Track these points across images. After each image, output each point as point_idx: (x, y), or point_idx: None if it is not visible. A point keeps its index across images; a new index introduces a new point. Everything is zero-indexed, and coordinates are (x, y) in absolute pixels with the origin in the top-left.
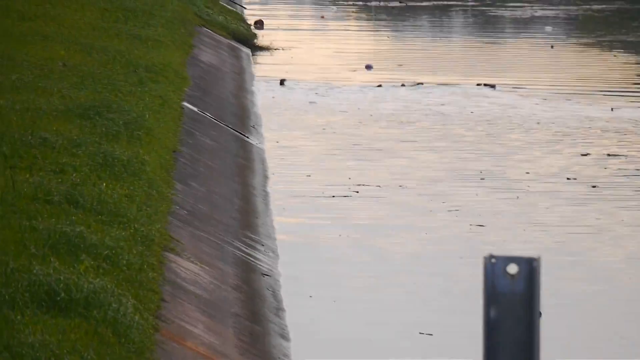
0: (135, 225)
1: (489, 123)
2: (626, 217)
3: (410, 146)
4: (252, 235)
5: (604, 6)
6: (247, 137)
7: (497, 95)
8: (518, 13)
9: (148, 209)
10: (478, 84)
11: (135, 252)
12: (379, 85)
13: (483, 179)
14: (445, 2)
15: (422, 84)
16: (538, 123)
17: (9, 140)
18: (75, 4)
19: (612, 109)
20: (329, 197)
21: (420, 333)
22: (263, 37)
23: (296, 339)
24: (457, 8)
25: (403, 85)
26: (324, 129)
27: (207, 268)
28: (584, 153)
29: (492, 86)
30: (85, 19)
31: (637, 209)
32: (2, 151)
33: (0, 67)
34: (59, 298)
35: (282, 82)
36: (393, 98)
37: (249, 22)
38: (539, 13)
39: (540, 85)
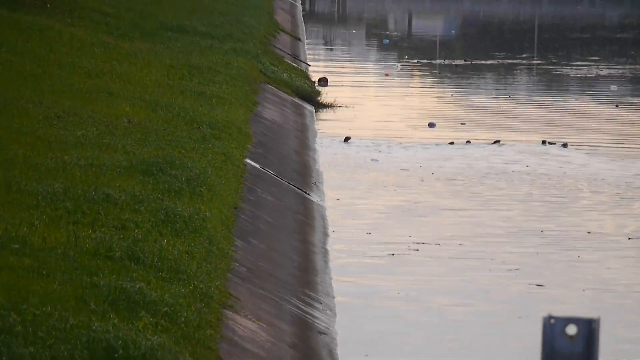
0: (195, 282)
1: (553, 181)
2: None
3: (472, 204)
4: (311, 293)
5: None
6: (308, 194)
7: (561, 154)
8: (583, 72)
9: (208, 265)
10: (543, 142)
11: (194, 309)
12: (451, 143)
13: (544, 237)
14: (510, 61)
15: (494, 141)
16: (602, 182)
17: (73, 196)
18: (142, 61)
19: None
20: (389, 255)
21: None
22: (327, 95)
23: None
24: (522, 66)
25: (468, 142)
26: (385, 186)
27: (264, 326)
28: None
29: (556, 144)
30: (151, 76)
31: None
32: (66, 207)
33: (66, 124)
34: (117, 355)
35: (346, 139)
36: (456, 156)
37: (313, 80)
38: (605, 72)
39: (605, 144)
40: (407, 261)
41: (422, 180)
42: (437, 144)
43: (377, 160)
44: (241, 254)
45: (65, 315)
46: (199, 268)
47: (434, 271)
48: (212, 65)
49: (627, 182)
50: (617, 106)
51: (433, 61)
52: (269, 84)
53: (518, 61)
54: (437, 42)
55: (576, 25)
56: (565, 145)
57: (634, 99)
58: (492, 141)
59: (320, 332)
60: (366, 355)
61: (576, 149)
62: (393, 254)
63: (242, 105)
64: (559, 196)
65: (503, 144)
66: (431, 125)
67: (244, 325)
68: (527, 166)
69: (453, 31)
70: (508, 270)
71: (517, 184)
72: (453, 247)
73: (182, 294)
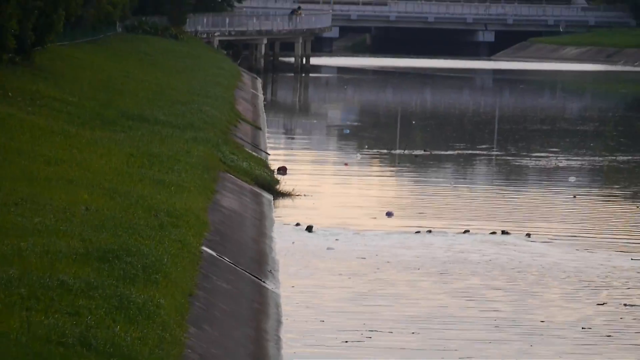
0: None
1: (508, 270)
2: None
3: (425, 293)
4: None
5: (629, 157)
6: (264, 282)
7: (518, 243)
8: (542, 163)
9: (160, 352)
10: (503, 232)
11: None
12: (417, 232)
13: (497, 326)
14: (469, 152)
15: (443, 231)
16: (557, 271)
17: (27, 282)
18: (102, 149)
19: (631, 259)
20: (342, 342)
21: None
22: (286, 183)
23: None
24: (482, 157)
25: (429, 231)
26: (340, 274)
27: None
28: (601, 302)
29: (510, 234)
30: (110, 164)
31: None
32: (20, 293)
33: (23, 211)
34: None
35: (309, 228)
36: (413, 245)
37: (272, 168)
38: (564, 163)
39: (561, 234)
40: (360, 349)
41: (378, 269)
42: (390, 233)
43: (333, 249)
44: (194, 341)
45: None
46: (151, 355)
47: None
48: (172, 154)
49: (582, 272)
50: (574, 197)
51: (393, 151)
52: (228, 172)
53: (478, 152)
54: (397, 133)
55: (536, 116)
56: (529, 235)
57: (592, 190)
58: (453, 230)
59: None
60: None
61: (532, 241)
62: (346, 342)
63: (201, 194)
64: (513, 284)
65: (463, 233)
66: (389, 214)
67: None
68: (485, 255)
69: (347, 131)
70: (460, 358)
71: (473, 274)
72: (406, 335)
73: None
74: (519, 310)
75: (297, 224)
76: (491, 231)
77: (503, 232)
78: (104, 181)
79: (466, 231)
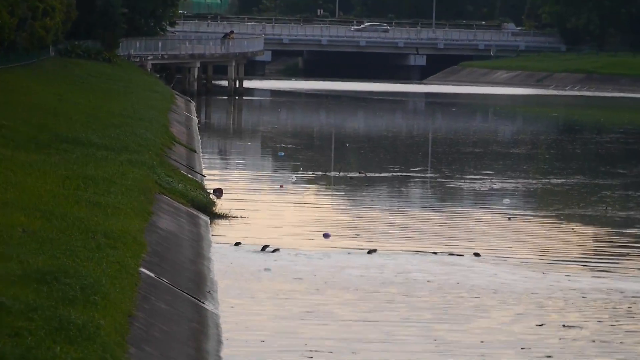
0: None
1: (445, 291)
2: None
3: (364, 314)
4: None
5: (563, 180)
6: (203, 303)
7: (454, 263)
8: (477, 185)
9: None
10: (433, 252)
11: None
12: (371, 251)
13: (437, 347)
14: (404, 174)
15: (374, 251)
16: (495, 292)
17: None
18: (37, 171)
19: (569, 280)
20: None
21: None
22: (222, 205)
23: None
24: (416, 179)
25: (370, 252)
26: (277, 294)
27: None
28: (540, 323)
29: (452, 254)
30: (46, 186)
31: None
32: None
33: None
34: None
35: (237, 243)
36: (349, 266)
37: (208, 190)
38: (498, 186)
39: (498, 254)
40: None
41: (317, 290)
42: (328, 254)
43: (270, 270)
44: None
45: None
46: None
47: None
48: (108, 176)
49: (520, 292)
50: (509, 219)
51: (328, 173)
52: (164, 194)
53: (412, 174)
54: (332, 155)
55: (469, 139)
56: (477, 254)
57: (526, 212)
58: (390, 251)
59: None
60: None
61: (475, 261)
62: None
63: (138, 215)
64: (451, 305)
65: (400, 253)
66: (326, 235)
67: None
68: (426, 275)
69: (281, 153)
70: None
71: (409, 294)
72: (346, 355)
73: None
74: (458, 330)
75: (237, 243)
76: (431, 251)
77: (434, 253)
78: (40, 203)
79: (416, 252)
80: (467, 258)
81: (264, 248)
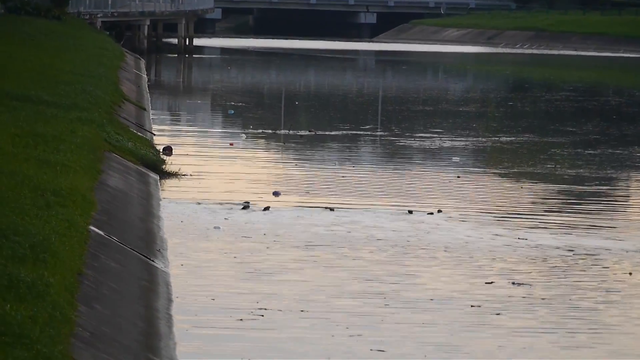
0: (38, 347)
1: (396, 247)
2: (524, 343)
3: (314, 270)
4: (154, 358)
5: (512, 138)
6: (153, 261)
7: (405, 219)
8: (427, 144)
9: (51, 330)
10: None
11: None
12: (330, 209)
13: (387, 304)
14: (354, 132)
15: (330, 209)
16: (445, 249)
17: None
18: None
19: (518, 238)
20: (234, 319)
21: None
22: (171, 163)
23: None
24: (366, 137)
25: (331, 209)
26: (225, 253)
27: None
28: (489, 281)
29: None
30: None
31: (534, 336)
32: None
33: None
34: None
35: (245, 206)
36: (299, 223)
37: (158, 149)
38: (448, 144)
39: (449, 211)
40: (251, 327)
41: (267, 247)
42: (278, 211)
43: (220, 228)
44: (85, 319)
45: None
46: (42, 333)
47: (277, 338)
48: (57, 134)
49: (470, 247)
50: (458, 177)
51: (278, 131)
52: (114, 152)
53: (362, 132)
54: (282, 113)
55: (419, 98)
56: (440, 211)
57: (475, 170)
58: (337, 208)
59: None
60: None
61: (418, 215)
62: (241, 319)
63: (87, 174)
64: (401, 260)
65: (347, 210)
66: (275, 193)
67: None
68: (370, 231)
69: (231, 111)
70: (350, 336)
71: (362, 250)
72: (295, 313)
73: (25, 358)
74: (408, 287)
75: (246, 206)
76: (379, 208)
77: (409, 212)
78: None
79: (331, 209)
80: (417, 215)
81: (266, 209)
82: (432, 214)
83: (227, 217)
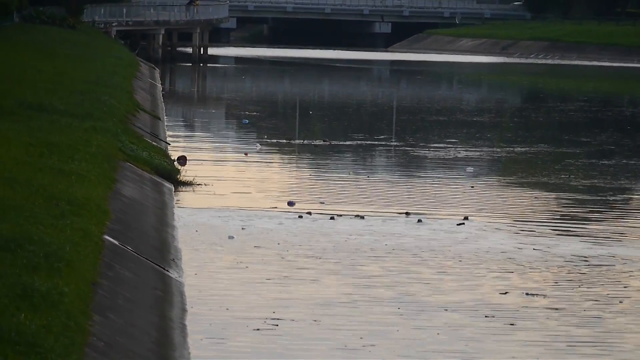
0: (52, 356)
1: (409, 254)
2: (542, 355)
3: (328, 280)
4: None
5: (526, 149)
6: (167, 270)
7: (416, 228)
8: (441, 154)
9: (65, 339)
10: (407, 213)
11: None
12: (332, 218)
13: (402, 314)
14: (368, 142)
15: (360, 216)
16: (460, 259)
17: None
18: (1, 138)
19: (533, 249)
20: (249, 329)
21: None
22: (186, 173)
23: None
24: (381, 148)
25: (332, 218)
26: (239, 262)
27: None
28: (504, 291)
29: (419, 221)
30: (9, 154)
31: (550, 348)
32: None
33: None
34: None
35: (332, 217)
36: (315, 232)
37: (172, 158)
38: (462, 154)
39: (464, 219)
40: (265, 337)
41: (282, 258)
42: (297, 218)
43: (234, 237)
44: (99, 329)
45: None
46: (56, 342)
47: (294, 347)
48: (72, 143)
49: (487, 257)
50: (472, 187)
51: (292, 141)
52: (128, 162)
53: (376, 142)
54: (296, 123)
55: (434, 108)
56: (466, 218)
57: (489, 180)
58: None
59: None
60: None
61: (432, 224)
62: (258, 329)
63: (101, 183)
64: (415, 268)
65: (361, 219)
66: (290, 203)
67: None
68: (381, 240)
69: (246, 121)
70: (363, 346)
71: (375, 258)
72: (308, 323)
73: None
74: (424, 295)
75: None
76: (393, 216)
77: (419, 220)
78: (3, 170)
79: (361, 217)
80: (423, 223)
81: (332, 218)
82: (463, 224)
83: (241, 227)
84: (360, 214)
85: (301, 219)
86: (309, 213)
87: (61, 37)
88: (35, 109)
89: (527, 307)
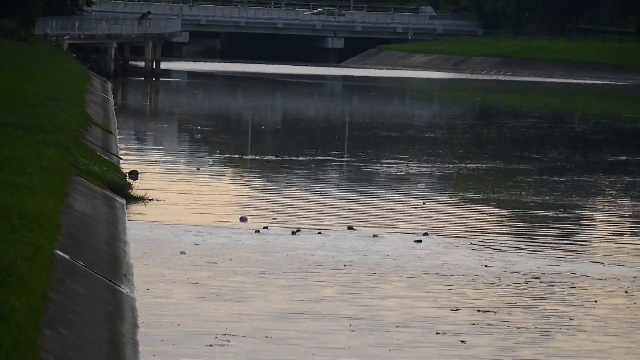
0: None
1: (364, 269)
2: None
3: (279, 295)
4: None
5: (479, 165)
6: (118, 286)
7: (369, 242)
8: (393, 169)
9: (16, 354)
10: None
11: None
12: (296, 231)
13: (354, 331)
14: (320, 157)
15: (299, 230)
16: (410, 274)
17: None
18: None
19: (485, 265)
20: (199, 344)
21: None
22: (138, 187)
23: None
24: (333, 163)
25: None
26: (192, 278)
27: None
28: (454, 308)
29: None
30: None
31: None
32: None
33: None
34: None
35: (295, 232)
36: (268, 247)
37: (124, 172)
38: (414, 170)
39: (415, 236)
40: (217, 353)
41: (234, 273)
42: (243, 235)
43: (185, 253)
44: (50, 344)
45: None
46: (8, 357)
47: None
48: (23, 157)
49: (436, 273)
50: (423, 204)
51: (244, 156)
52: (80, 176)
53: (329, 158)
54: (249, 138)
55: (386, 123)
56: (426, 234)
57: (440, 196)
58: (307, 231)
59: None
60: None
61: (381, 238)
62: (211, 345)
63: (53, 197)
64: (367, 284)
65: (313, 234)
66: (242, 219)
67: None
68: (335, 255)
69: (198, 136)
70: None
71: (326, 273)
72: (260, 339)
73: None
74: (374, 314)
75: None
76: (343, 230)
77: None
78: None
79: (319, 232)
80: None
81: (293, 232)
82: (420, 241)
83: (193, 242)
84: (317, 229)
85: (256, 234)
86: (266, 227)
87: (12, 50)
88: None
89: (478, 324)
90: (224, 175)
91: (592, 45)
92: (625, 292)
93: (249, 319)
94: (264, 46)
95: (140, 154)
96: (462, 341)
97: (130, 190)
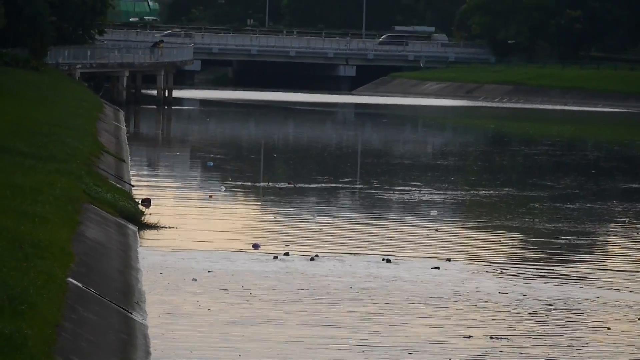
0: None
1: (378, 296)
2: None
3: (292, 323)
4: None
5: (490, 192)
6: (131, 313)
7: (383, 269)
8: (406, 197)
9: None
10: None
11: None
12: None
13: (367, 357)
14: (333, 185)
15: (316, 256)
16: (424, 303)
17: None
18: None
19: (499, 292)
20: None
21: None
22: (150, 215)
23: None
24: (345, 190)
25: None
26: (200, 305)
27: None
28: (467, 335)
29: (388, 261)
30: None
31: None
32: None
33: None
34: None
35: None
36: (280, 274)
37: (136, 200)
38: (427, 197)
39: (429, 262)
40: None
41: (246, 300)
42: (256, 263)
43: (196, 280)
44: None
45: None
46: None
47: None
48: (36, 185)
49: (450, 300)
50: (436, 230)
51: (257, 184)
52: (92, 204)
53: (341, 185)
54: (261, 166)
55: (398, 151)
56: (450, 259)
57: (453, 223)
58: (321, 257)
59: None
60: None
61: (397, 265)
62: None
63: (65, 225)
64: (379, 310)
65: (328, 260)
66: (255, 246)
67: None
68: (349, 281)
69: (210, 163)
70: None
71: (339, 299)
72: None
73: None
74: (384, 338)
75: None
76: (358, 259)
77: (387, 260)
78: None
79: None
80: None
81: (312, 258)
82: (438, 267)
83: (205, 269)
84: (335, 256)
85: (266, 262)
86: (287, 254)
87: (24, 79)
88: None
89: (491, 350)
90: (237, 203)
91: (604, 73)
92: (639, 319)
93: (262, 346)
94: (276, 74)
95: (152, 181)
96: None
97: (142, 218)
